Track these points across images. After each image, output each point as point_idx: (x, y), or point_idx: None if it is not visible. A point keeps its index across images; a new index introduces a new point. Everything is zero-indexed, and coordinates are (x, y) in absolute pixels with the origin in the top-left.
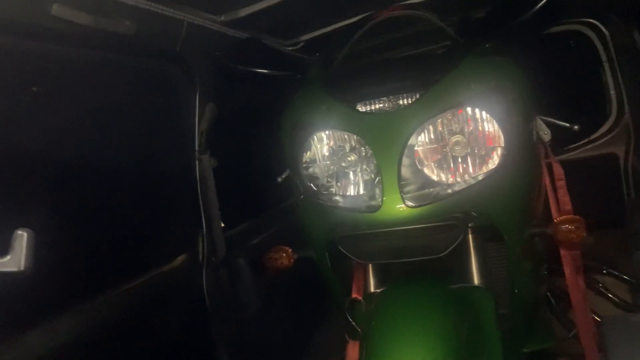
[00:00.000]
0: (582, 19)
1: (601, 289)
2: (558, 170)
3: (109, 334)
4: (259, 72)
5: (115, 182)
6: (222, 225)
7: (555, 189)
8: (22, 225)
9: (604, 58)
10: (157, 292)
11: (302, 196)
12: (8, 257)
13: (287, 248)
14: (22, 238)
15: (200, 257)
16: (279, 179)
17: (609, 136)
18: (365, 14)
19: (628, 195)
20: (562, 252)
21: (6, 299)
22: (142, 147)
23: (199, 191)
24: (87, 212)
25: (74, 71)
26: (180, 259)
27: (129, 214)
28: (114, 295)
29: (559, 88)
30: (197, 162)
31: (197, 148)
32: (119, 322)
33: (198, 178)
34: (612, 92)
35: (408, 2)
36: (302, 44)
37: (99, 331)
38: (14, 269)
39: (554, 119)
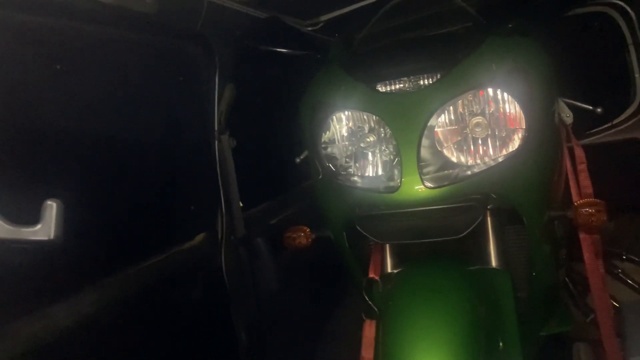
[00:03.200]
0: (608, 0)
1: (620, 274)
2: (580, 153)
3: (130, 310)
4: (279, 51)
5: (136, 159)
6: (241, 205)
7: (576, 173)
8: (51, 197)
9: (629, 40)
10: (176, 269)
11: (320, 176)
12: (39, 226)
13: (305, 228)
14: (51, 208)
15: (220, 236)
16: (298, 160)
17: (632, 120)
18: None
19: None
20: (582, 236)
21: (32, 270)
22: (163, 126)
23: (218, 171)
24: (110, 189)
25: (96, 49)
26: (199, 237)
27: (151, 192)
28: (135, 271)
29: (582, 71)
30: (216, 142)
31: (216, 128)
32: (139, 298)
33: (217, 158)
34: (637, 75)
35: None
36: (321, 24)
37: (120, 306)
38: (44, 237)
39: (577, 101)
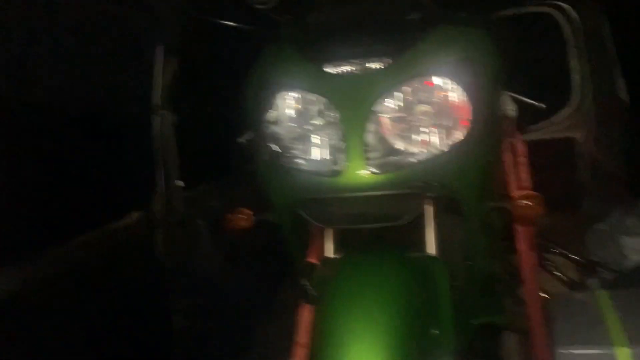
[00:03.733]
0: (555, 2)
1: (550, 267)
2: (521, 147)
3: (57, 289)
4: (228, 25)
5: (67, 130)
6: (181, 184)
7: (516, 166)
8: None
9: (571, 42)
10: (108, 248)
11: (264, 158)
12: None
13: (247, 210)
14: None
15: (156, 216)
16: (242, 140)
17: (570, 120)
18: None
19: (583, 179)
20: (518, 228)
21: None
22: (99, 96)
23: (158, 147)
24: (38, 161)
25: (25, 8)
26: (134, 216)
27: (82, 166)
28: (64, 249)
29: (526, 69)
30: (157, 116)
31: (158, 102)
32: (67, 277)
33: (157, 134)
34: (577, 77)
35: None
36: (273, 3)
37: (47, 285)
38: None
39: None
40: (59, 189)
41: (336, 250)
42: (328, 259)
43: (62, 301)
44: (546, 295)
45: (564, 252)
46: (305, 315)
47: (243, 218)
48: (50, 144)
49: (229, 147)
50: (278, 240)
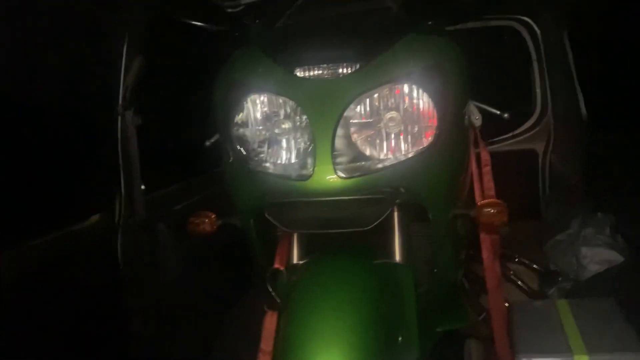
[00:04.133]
0: (516, 16)
1: (512, 276)
2: (485, 156)
3: (11, 293)
4: (194, 24)
5: (27, 127)
6: (143, 187)
7: (481, 174)
8: None
9: (533, 56)
10: (66, 251)
11: (230, 160)
12: None
13: (210, 213)
14: None
15: (117, 218)
16: (208, 143)
17: (531, 132)
18: None
19: (543, 190)
20: (482, 236)
21: None
22: (61, 94)
23: (120, 149)
24: None
25: None
26: (94, 219)
27: (40, 165)
28: (19, 251)
29: (490, 82)
30: (119, 117)
31: (120, 102)
32: (23, 281)
33: (119, 135)
34: (538, 90)
35: None
36: (242, 6)
37: (1, 287)
38: None
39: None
40: (16, 189)
41: (302, 256)
42: (294, 265)
43: (15, 308)
44: (507, 304)
45: (525, 261)
46: (270, 321)
47: (206, 222)
48: (7, 143)
49: (192, 148)
50: (242, 245)
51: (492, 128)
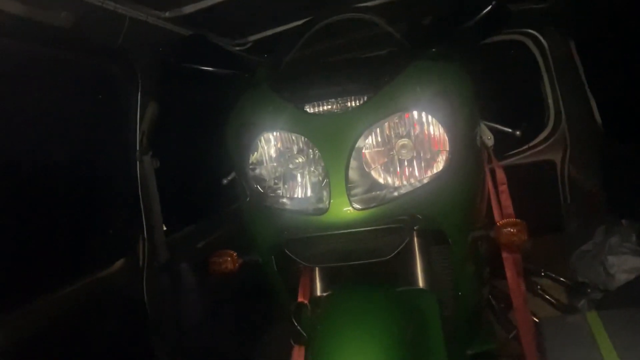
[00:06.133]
0: (523, 30)
1: (539, 291)
2: (500, 174)
3: (42, 342)
4: (204, 69)
5: (51, 182)
6: (164, 228)
7: (497, 193)
8: None
9: (542, 68)
10: (94, 298)
11: (248, 198)
12: None
13: (232, 252)
14: None
15: (141, 261)
16: (225, 181)
17: (546, 144)
18: (314, 16)
19: (564, 201)
20: (504, 255)
21: None
22: (80, 147)
23: (140, 193)
24: (20, 215)
25: (4, 64)
26: (119, 263)
27: (66, 217)
28: (48, 302)
29: (500, 96)
30: (138, 162)
31: (138, 148)
32: (52, 331)
33: (139, 179)
34: (550, 101)
35: (357, 5)
36: (250, 44)
37: (32, 339)
38: None
39: (497, 125)
40: (43, 240)
41: (325, 289)
42: (317, 298)
43: (51, 348)
44: (536, 319)
45: (552, 274)
46: (297, 355)
47: (228, 260)
48: (35, 198)
49: (212, 189)
50: (264, 281)
51: (507, 141)
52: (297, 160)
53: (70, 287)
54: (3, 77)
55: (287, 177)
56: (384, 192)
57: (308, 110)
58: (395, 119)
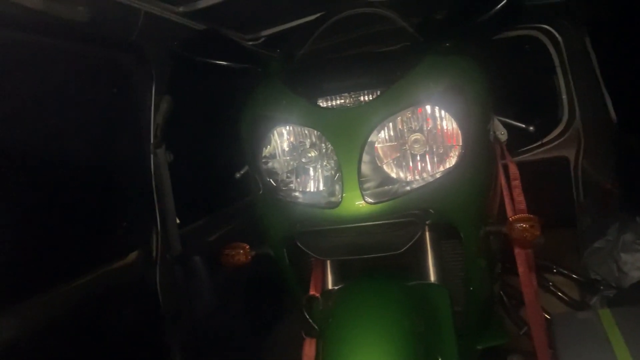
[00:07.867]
0: (537, 25)
1: (551, 287)
2: (513, 170)
3: (57, 332)
4: (218, 64)
5: (65, 174)
6: (178, 221)
7: (510, 189)
8: None
9: (556, 63)
10: (108, 289)
11: (260, 192)
12: None
13: (244, 244)
14: None
15: (154, 253)
16: (238, 175)
17: (560, 139)
18: (327, 11)
19: (577, 197)
20: (516, 250)
21: None
22: (94, 139)
23: (154, 186)
24: (35, 206)
25: (22, 58)
26: (133, 255)
27: (80, 208)
28: (62, 292)
29: (514, 91)
30: (152, 155)
31: (152, 141)
32: (67, 321)
33: (153, 172)
34: (564, 96)
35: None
36: (263, 39)
37: (46, 329)
38: None
39: (510, 120)
40: (58, 232)
41: (337, 282)
42: (329, 291)
43: (59, 348)
44: (547, 316)
45: (564, 271)
46: (309, 348)
47: (240, 253)
48: (50, 190)
49: (225, 182)
50: (276, 274)
51: (520, 137)
52: (309, 154)
53: (84, 278)
54: (20, 70)
55: (300, 171)
56: (396, 186)
57: (321, 104)
58: (408, 113)
